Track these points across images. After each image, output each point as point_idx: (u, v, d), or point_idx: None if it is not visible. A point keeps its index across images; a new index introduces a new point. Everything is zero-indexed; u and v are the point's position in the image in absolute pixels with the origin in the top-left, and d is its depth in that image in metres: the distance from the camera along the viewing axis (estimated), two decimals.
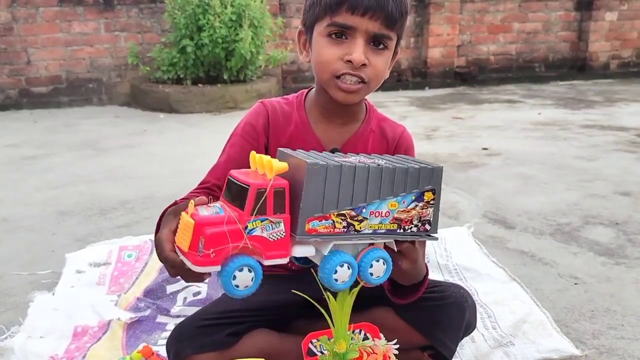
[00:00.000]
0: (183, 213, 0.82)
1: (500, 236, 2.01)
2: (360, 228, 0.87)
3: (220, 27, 4.24)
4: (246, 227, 0.80)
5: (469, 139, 3.56)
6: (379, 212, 0.87)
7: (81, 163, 3.08)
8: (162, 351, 1.17)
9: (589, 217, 2.19)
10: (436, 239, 0.93)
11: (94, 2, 4.70)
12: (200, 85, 4.57)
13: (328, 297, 0.89)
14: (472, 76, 5.88)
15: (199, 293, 1.55)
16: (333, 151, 1.11)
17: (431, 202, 0.91)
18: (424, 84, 5.72)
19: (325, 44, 1.03)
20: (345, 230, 0.86)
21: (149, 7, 4.83)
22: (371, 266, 0.89)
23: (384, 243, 0.92)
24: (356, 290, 0.91)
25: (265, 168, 0.81)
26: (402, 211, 0.89)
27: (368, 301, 1.07)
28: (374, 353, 0.95)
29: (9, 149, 3.44)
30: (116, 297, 1.54)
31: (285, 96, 1.21)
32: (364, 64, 1.01)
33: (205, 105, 4.46)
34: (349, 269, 0.87)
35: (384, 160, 0.93)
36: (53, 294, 1.57)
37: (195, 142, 3.55)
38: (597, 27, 6.04)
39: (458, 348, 1.21)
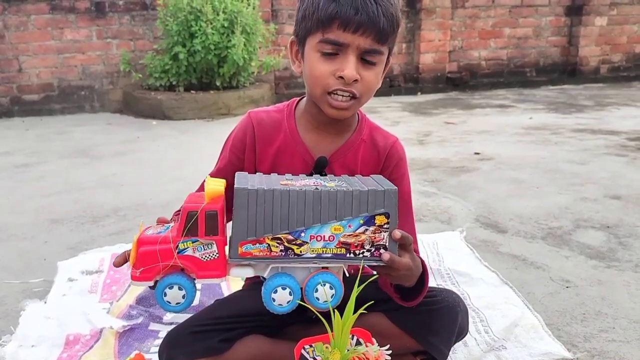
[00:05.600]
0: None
1: (492, 240, 2.02)
2: (301, 252, 0.86)
3: (213, 34, 4.24)
4: (177, 247, 0.84)
5: (461, 143, 3.58)
6: (320, 236, 0.86)
7: (74, 171, 3.07)
8: (155, 358, 1.17)
9: (580, 220, 2.20)
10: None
11: (85, 10, 4.69)
12: (192, 91, 4.57)
13: (334, 312, 0.88)
14: (463, 81, 5.91)
15: None
16: (320, 160, 1.11)
17: (385, 226, 0.88)
18: (416, 89, 5.75)
19: (317, 59, 1.03)
20: (283, 253, 0.86)
21: (140, 14, 4.83)
22: (316, 290, 0.89)
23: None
24: (358, 312, 0.90)
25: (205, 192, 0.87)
26: (350, 235, 0.87)
27: (360, 306, 1.07)
28: (366, 359, 0.95)
29: (0, 157, 3.42)
30: (108, 305, 1.54)
31: (277, 104, 1.21)
32: (356, 80, 1.01)
33: (198, 112, 4.46)
34: (290, 294, 0.88)
35: (336, 182, 0.91)
36: (45, 303, 1.56)
37: (188, 148, 3.55)
38: (587, 32, 6.10)
39: (450, 353, 1.22)
